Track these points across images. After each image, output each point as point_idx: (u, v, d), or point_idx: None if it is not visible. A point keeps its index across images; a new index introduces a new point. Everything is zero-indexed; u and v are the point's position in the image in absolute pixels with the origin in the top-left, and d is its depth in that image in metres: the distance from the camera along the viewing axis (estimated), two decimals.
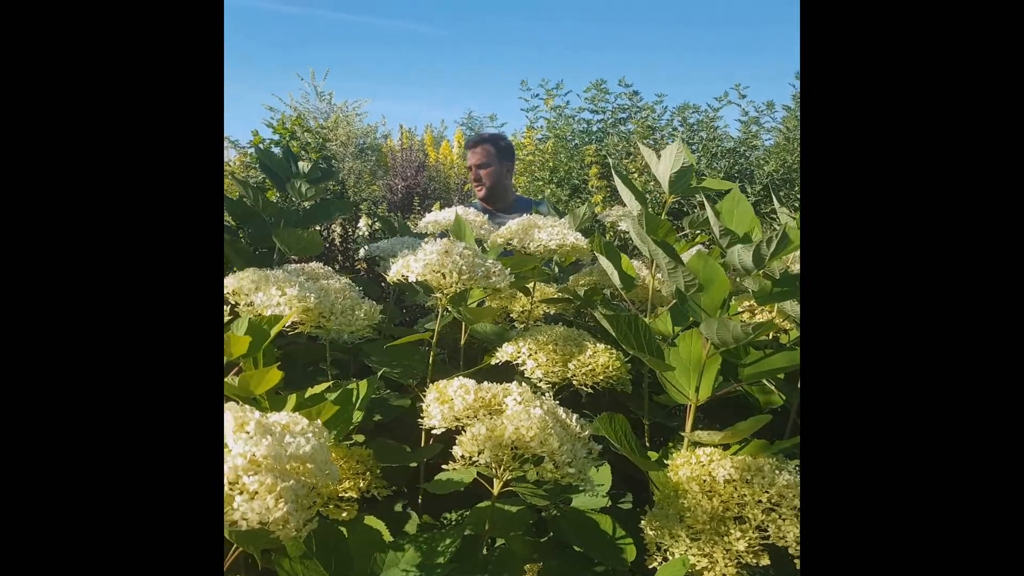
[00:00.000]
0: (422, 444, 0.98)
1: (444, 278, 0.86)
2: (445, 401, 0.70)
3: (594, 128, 5.13)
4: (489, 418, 0.65)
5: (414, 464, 0.91)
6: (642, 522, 0.70)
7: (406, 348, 1.06)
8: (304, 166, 1.37)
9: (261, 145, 5.51)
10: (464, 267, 0.87)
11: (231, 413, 0.55)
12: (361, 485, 0.78)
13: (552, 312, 1.35)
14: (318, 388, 0.78)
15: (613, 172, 1.20)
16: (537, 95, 5.26)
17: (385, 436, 1.01)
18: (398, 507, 0.93)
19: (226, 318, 0.83)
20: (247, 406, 0.58)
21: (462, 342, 1.14)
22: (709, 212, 0.84)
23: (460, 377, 0.74)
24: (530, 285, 1.25)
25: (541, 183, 4.82)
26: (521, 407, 0.66)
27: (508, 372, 1.10)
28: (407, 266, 0.87)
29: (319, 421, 0.60)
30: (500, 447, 0.61)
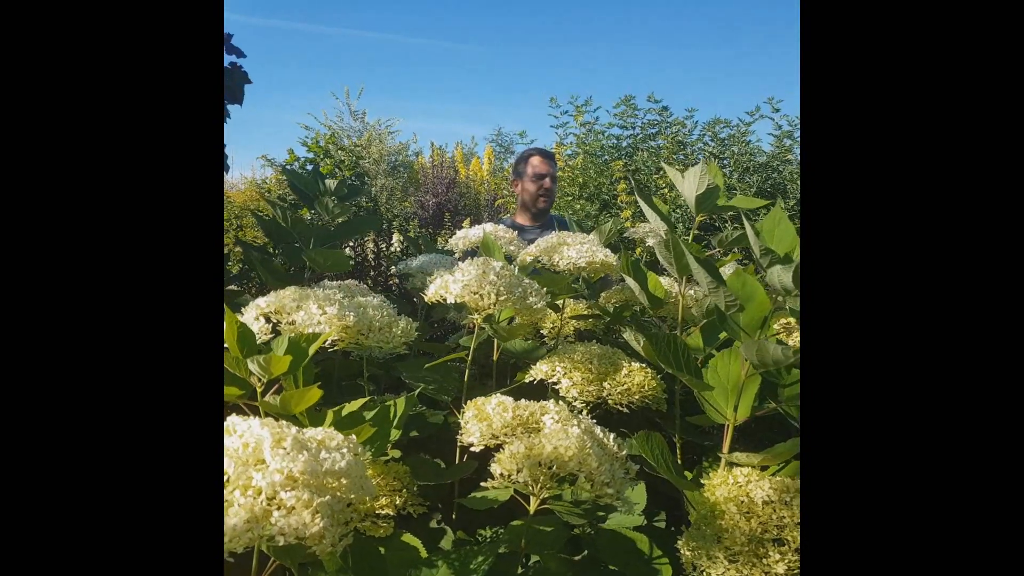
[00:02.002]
0: (456, 459, 0.98)
1: (482, 299, 0.86)
2: (484, 419, 0.70)
3: (623, 144, 5.11)
4: (527, 436, 0.65)
5: (448, 481, 0.91)
6: (679, 542, 0.69)
7: (441, 365, 1.07)
8: (331, 184, 1.40)
9: (296, 163, 5.65)
10: (502, 287, 0.88)
11: (268, 429, 0.56)
12: (398, 502, 0.79)
13: (583, 328, 1.35)
14: (355, 404, 0.79)
15: (637, 193, 1.20)
16: (566, 111, 5.27)
17: (420, 451, 1.02)
18: (433, 523, 0.93)
19: (267, 336, 0.84)
20: (284, 422, 0.59)
21: (494, 358, 1.15)
22: (749, 231, 0.83)
23: (498, 395, 0.74)
24: (559, 302, 1.25)
25: (570, 198, 4.82)
26: (559, 426, 0.66)
27: (540, 389, 1.10)
28: (445, 287, 0.88)
29: (354, 436, 0.61)
30: (538, 466, 0.61)
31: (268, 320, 0.88)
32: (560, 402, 0.73)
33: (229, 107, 1.70)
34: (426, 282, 1.35)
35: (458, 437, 0.74)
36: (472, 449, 0.72)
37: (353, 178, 1.56)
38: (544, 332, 1.31)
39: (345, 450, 0.58)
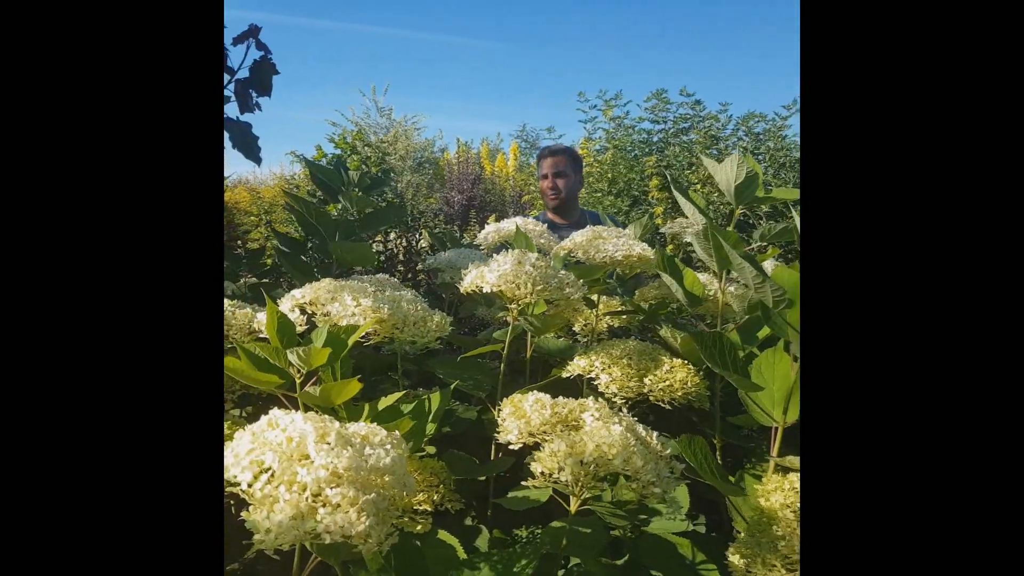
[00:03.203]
0: (491, 456, 0.97)
1: (518, 289, 0.84)
2: (521, 416, 0.68)
3: (654, 139, 5.03)
4: (567, 434, 0.63)
5: (483, 477, 0.90)
6: (729, 550, 0.66)
7: (474, 360, 1.05)
8: (355, 175, 1.39)
9: (324, 160, 5.70)
10: (538, 278, 0.86)
11: (311, 424, 0.55)
12: (435, 498, 0.77)
13: (617, 326, 1.32)
14: (391, 399, 0.78)
15: (672, 187, 1.17)
16: (595, 106, 5.21)
17: (453, 448, 1.00)
18: (468, 521, 0.91)
19: (302, 327, 0.84)
20: (327, 416, 0.58)
21: (528, 354, 1.13)
22: (798, 223, 0.79)
23: (535, 392, 0.72)
24: (594, 297, 1.23)
25: (600, 194, 4.77)
26: (600, 423, 0.64)
27: (574, 386, 1.08)
28: (481, 277, 0.86)
29: (397, 432, 0.60)
30: (580, 465, 0.59)
31: (303, 311, 0.87)
32: (600, 399, 0.71)
33: (259, 99, 1.71)
34: (456, 276, 1.34)
35: (495, 435, 0.72)
36: (512, 448, 0.70)
37: (380, 173, 1.55)
38: (576, 330, 1.28)
39: (389, 446, 0.56)
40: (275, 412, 0.57)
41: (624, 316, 1.27)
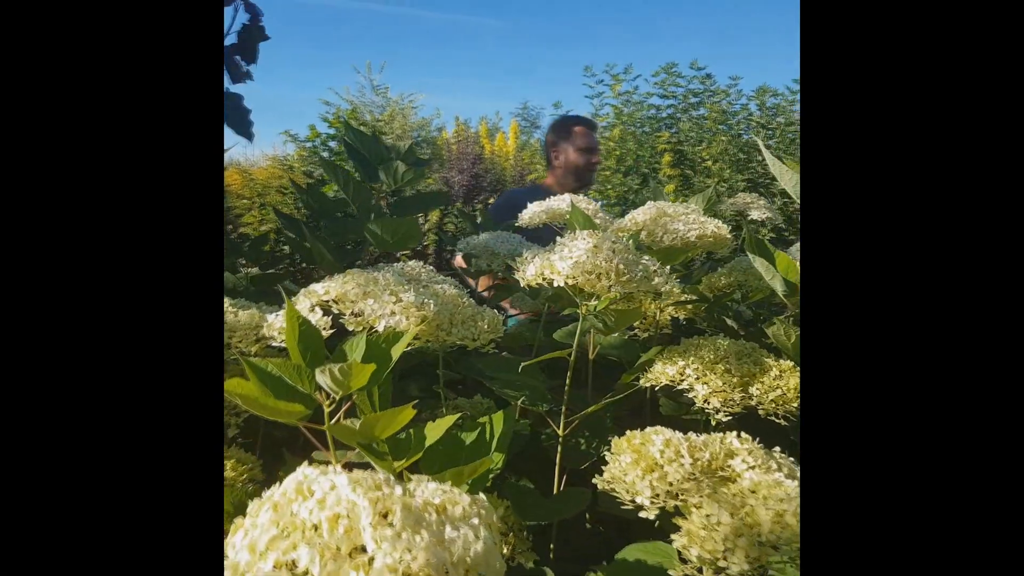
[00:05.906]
0: (555, 482, 0.79)
1: (599, 280, 0.66)
2: (651, 468, 0.47)
3: (663, 114, 4.82)
4: (720, 494, 0.43)
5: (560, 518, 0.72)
6: None
7: (528, 366, 0.87)
8: (402, 145, 1.18)
9: (318, 140, 5.44)
10: (621, 266, 0.67)
11: (362, 491, 0.36)
12: (504, 551, 0.60)
13: (682, 318, 1.14)
14: (442, 425, 0.59)
15: (763, 149, 0.99)
16: (602, 81, 4.98)
17: (505, 470, 0.83)
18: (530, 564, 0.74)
19: (329, 331, 0.65)
20: (382, 476, 0.39)
21: (591, 355, 0.94)
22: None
23: (662, 429, 0.51)
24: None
25: (608, 172, 4.57)
26: (761, 473, 0.45)
27: (635, 395, 0.91)
28: (550, 266, 0.67)
29: (482, 496, 0.41)
30: (758, 546, 0.39)
31: (326, 312, 0.68)
32: (743, 434, 0.51)
33: (248, 68, 1.54)
34: (493, 262, 1.16)
35: (618, 501, 0.50)
36: (644, 516, 0.49)
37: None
38: (635, 324, 1.10)
39: (476, 519, 0.38)
40: (306, 471, 0.39)
41: (690, 306, 1.09)
